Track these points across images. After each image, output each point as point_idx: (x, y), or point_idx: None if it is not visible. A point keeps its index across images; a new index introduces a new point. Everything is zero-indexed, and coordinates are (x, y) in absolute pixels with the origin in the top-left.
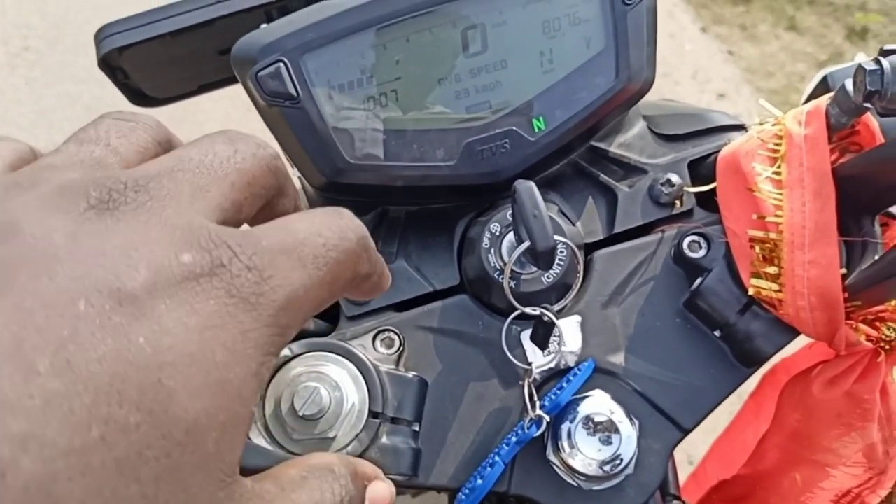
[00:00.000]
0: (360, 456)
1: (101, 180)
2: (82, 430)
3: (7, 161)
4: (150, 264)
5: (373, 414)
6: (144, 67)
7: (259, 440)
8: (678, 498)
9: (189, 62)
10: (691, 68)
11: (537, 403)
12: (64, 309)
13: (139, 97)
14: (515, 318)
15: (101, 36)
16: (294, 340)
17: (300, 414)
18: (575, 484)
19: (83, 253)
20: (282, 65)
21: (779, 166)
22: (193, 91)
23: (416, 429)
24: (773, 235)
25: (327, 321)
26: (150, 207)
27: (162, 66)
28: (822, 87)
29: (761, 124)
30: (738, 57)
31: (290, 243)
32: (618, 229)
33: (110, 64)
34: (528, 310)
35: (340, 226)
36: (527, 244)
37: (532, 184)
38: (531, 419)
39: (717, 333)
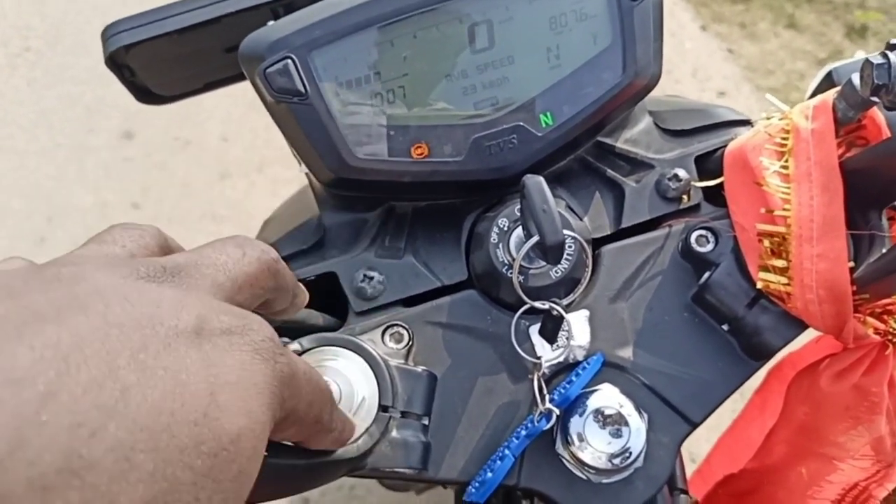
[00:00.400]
0: (371, 450)
1: (143, 261)
2: (153, 415)
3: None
4: (198, 316)
5: (383, 408)
6: (150, 65)
7: None
8: (685, 492)
9: (195, 60)
10: (691, 66)
11: (547, 397)
12: (135, 329)
13: (145, 95)
14: (524, 312)
15: (107, 34)
16: (304, 335)
17: None
18: (584, 477)
19: (144, 298)
20: (290, 61)
21: (786, 160)
22: (199, 89)
23: (426, 422)
24: (781, 229)
25: (336, 316)
26: (184, 285)
27: (168, 64)
28: (827, 82)
29: (768, 119)
30: (738, 55)
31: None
32: (625, 224)
33: (117, 62)
34: (538, 304)
35: (318, 379)
36: (536, 239)
37: (541, 178)
38: (541, 413)
39: (725, 327)
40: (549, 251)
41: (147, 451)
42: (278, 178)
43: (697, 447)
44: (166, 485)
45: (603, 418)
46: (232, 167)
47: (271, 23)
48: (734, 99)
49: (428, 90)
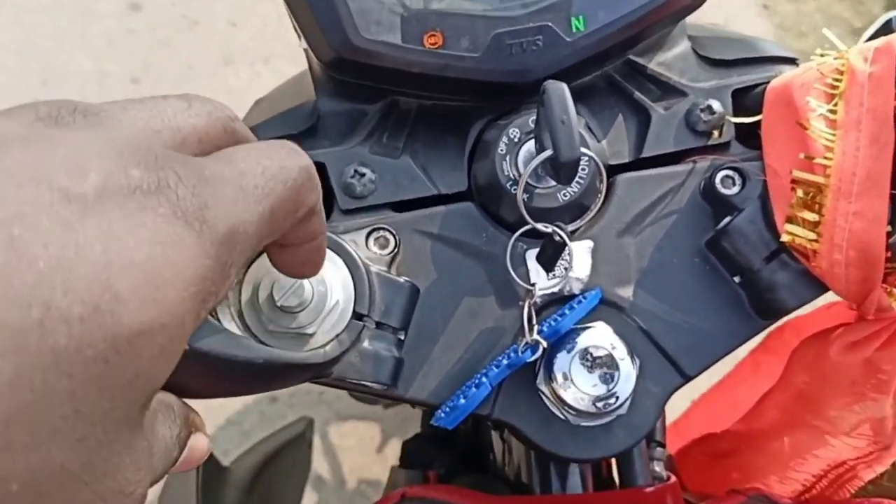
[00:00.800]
0: (339, 358)
1: (51, 102)
2: (21, 308)
3: None
4: (100, 171)
5: (357, 315)
6: None
7: (231, 326)
8: (662, 445)
9: None
10: (724, 17)
11: (535, 327)
12: (10, 190)
13: None
14: (523, 233)
15: None
16: None
17: (279, 304)
18: (563, 417)
19: (31, 150)
20: None
21: (835, 104)
22: None
23: (402, 337)
24: (818, 179)
25: None
26: (99, 128)
27: None
28: (885, 30)
29: (822, 56)
30: (773, 12)
31: (231, 173)
32: (646, 154)
33: None
34: (540, 226)
35: (281, 155)
36: (549, 153)
37: (564, 86)
38: (527, 343)
39: (736, 279)
40: (562, 168)
41: (7, 354)
42: (284, 72)
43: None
44: (32, 396)
45: (592, 359)
46: (237, 54)
47: None
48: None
49: None
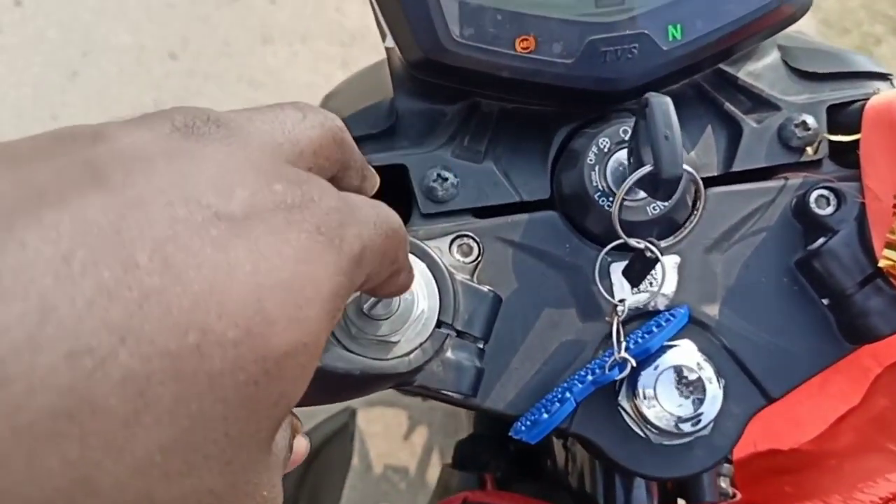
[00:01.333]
0: (422, 367)
1: (184, 110)
2: (179, 334)
3: None
4: (245, 187)
5: (440, 324)
6: None
7: None
8: (730, 461)
9: None
10: None
11: (623, 344)
12: (163, 210)
13: None
14: (613, 247)
15: None
16: None
17: (365, 311)
18: (643, 434)
19: (176, 167)
20: None
21: None
22: None
23: (482, 347)
24: None
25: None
26: (233, 142)
27: None
28: None
29: None
30: (817, 7)
31: (355, 198)
32: (736, 168)
33: None
34: (633, 241)
35: (387, 211)
36: (649, 168)
37: (668, 99)
38: (615, 360)
39: (825, 301)
40: (663, 185)
41: (166, 381)
42: (321, 53)
43: None
44: (189, 423)
45: (678, 378)
46: (275, 32)
47: None
48: None
49: None
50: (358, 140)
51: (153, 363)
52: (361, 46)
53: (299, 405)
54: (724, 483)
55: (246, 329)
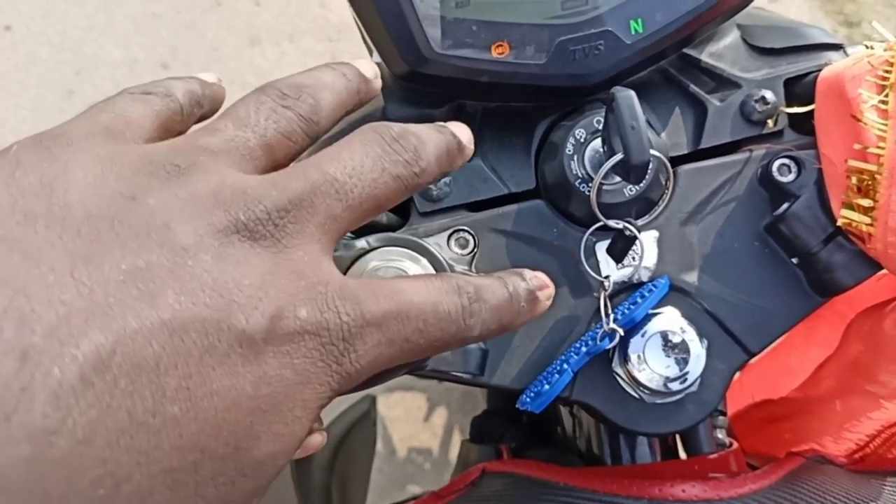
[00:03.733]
0: None
1: (251, 204)
2: (183, 454)
3: (161, 119)
4: (274, 312)
5: None
6: None
7: None
8: (723, 413)
9: None
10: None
11: (611, 316)
12: (198, 338)
13: None
14: (596, 229)
15: None
16: (367, 234)
17: None
18: (637, 396)
19: (223, 282)
20: None
21: (886, 95)
22: None
23: None
24: (871, 167)
25: (398, 215)
26: (283, 247)
27: None
28: None
29: (871, 48)
30: None
31: (392, 318)
32: (704, 144)
33: None
34: (612, 223)
35: (452, 306)
36: (620, 156)
37: (632, 93)
38: (604, 332)
39: (794, 260)
40: (633, 171)
41: (164, 491)
42: (309, 49)
43: None
44: None
45: (665, 342)
46: (262, 33)
47: None
48: (785, 7)
49: None
50: None
51: (157, 479)
52: (349, 40)
53: None
54: (720, 434)
55: (235, 446)
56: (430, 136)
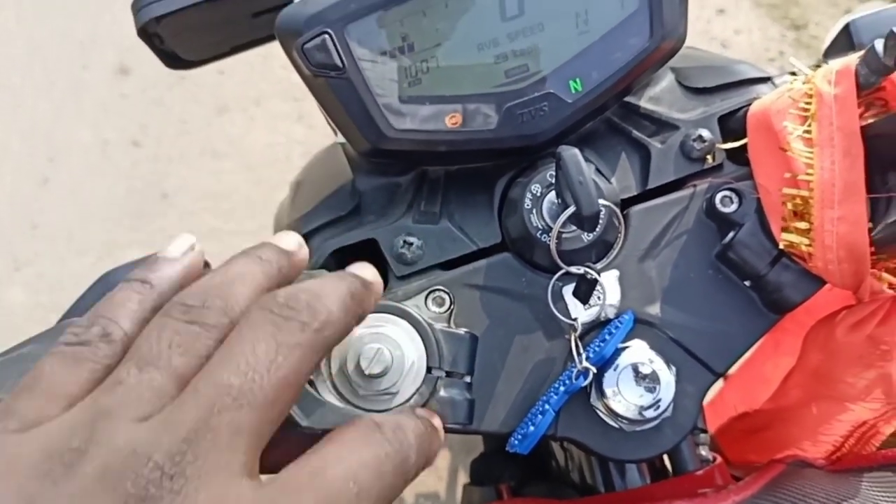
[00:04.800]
0: (422, 407)
1: (139, 467)
2: None
3: (95, 375)
4: None
5: (429, 369)
6: (180, 33)
7: (329, 397)
8: (704, 430)
9: (223, 26)
10: None
11: (583, 356)
12: None
13: (174, 60)
14: (561, 275)
15: (138, 5)
16: None
17: (366, 373)
18: (617, 426)
19: None
20: (327, 36)
21: (809, 125)
22: (226, 53)
23: (469, 380)
24: (804, 193)
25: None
26: (184, 497)
27: (197, 31)
28: (844, 36)
29: (792, 81)
30: None
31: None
32: (651, 185)
33: (148, 32)
34: (573, 269)
35: (380, 457)
36: (572, 209)
37: (576, 151)
38: (578, 371)
39: (747, 283)
40: (586, 221)
41: None
42: (277, 112)
43: None
44: None
45: (636, 373)
46: (229, 101)
47: None
48: (733, 16)
49: (460, 60)
50: (331, 223)
51: None
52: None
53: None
54: (703, 451)
55: None
56: (325, 287)
